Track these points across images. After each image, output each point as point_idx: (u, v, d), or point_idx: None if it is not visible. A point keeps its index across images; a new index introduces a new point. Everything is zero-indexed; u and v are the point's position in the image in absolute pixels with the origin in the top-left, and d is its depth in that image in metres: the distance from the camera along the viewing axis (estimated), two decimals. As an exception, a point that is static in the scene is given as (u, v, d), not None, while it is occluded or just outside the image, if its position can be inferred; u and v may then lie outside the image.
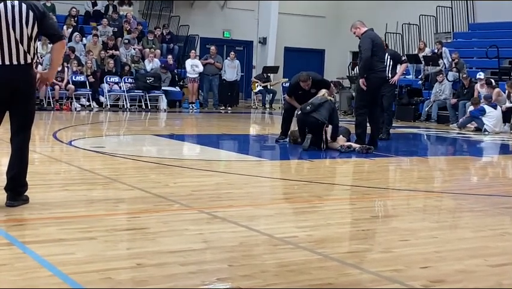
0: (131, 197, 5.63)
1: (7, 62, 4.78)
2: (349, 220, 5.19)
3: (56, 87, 15.69)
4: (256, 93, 20.81)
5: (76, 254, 3.75)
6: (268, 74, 21.25)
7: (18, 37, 4.78)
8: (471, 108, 14.57)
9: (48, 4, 18.50)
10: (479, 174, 8.72)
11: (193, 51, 19.18)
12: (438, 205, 6.02)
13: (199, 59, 18.98)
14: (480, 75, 15.68)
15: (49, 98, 15.85)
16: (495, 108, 14.20)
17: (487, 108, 14.15)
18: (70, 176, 6.74)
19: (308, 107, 9.40)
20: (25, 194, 5.00)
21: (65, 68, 16.11)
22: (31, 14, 4.82)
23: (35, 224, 4.52)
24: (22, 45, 4.80)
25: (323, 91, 9.87)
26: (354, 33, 9.62)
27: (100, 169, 7.19)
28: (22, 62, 4.82)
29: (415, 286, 3.43)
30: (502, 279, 3.66)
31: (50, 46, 5.09)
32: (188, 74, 18.68)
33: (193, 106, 18.48)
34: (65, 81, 15.99)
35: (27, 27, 4.80)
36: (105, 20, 19.19)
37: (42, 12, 4.90)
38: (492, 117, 14.10)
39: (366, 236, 4.57)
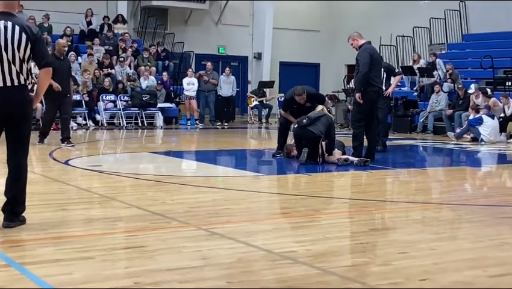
0: (129, 216, 5.62)
1: (1, 84, 4.78)
2: (348, 234, 5.18)
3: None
4: (252, 108, 20.87)
5: (74, 275, 3.73)
6: (264, 89, 21.32)
7: (10, 58, 4.78)
8: (471, 116, 14.61)
9: (45, 25, 18.56)
10: (477, 185, 8.72)
11: (190, 69, 19.21)
12: (437, 216, 6.01)
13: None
14: (471, 88, 15.76)
15: (45, 117, 15.85)
16: (492, 118, 14.24)
17: (485, 117, 14.20)
18: (67, 196, 6.72)
19: (304, 120, 9.40)
20: (22, 214, 4.98)
21: None
22: (24, 36, 4.81)
23: (33, 244, 4.50)
24: (14, 66, 4.80)
25: (321, 107, 9.94)
26: (351, 44, 9.63)
27: (97, 188, 7.17)
28: (16, 83, 4.82)
29: (415, 299, 3.42)
30: (502, 289, 3.65)
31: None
32: (185, 92, 18.70)
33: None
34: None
35: (19, 50, 4.79)
36: (100, 39, 19.24)
37: (35, 35, 4.89)
38: (489, 126, 14.14)
39: (365, 250, 4.56)
